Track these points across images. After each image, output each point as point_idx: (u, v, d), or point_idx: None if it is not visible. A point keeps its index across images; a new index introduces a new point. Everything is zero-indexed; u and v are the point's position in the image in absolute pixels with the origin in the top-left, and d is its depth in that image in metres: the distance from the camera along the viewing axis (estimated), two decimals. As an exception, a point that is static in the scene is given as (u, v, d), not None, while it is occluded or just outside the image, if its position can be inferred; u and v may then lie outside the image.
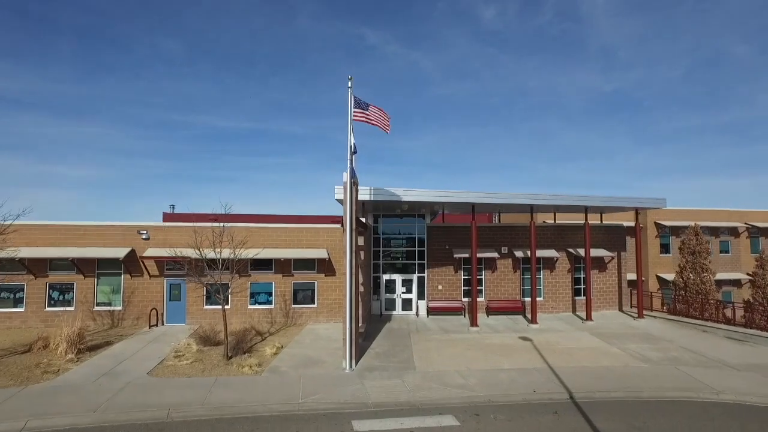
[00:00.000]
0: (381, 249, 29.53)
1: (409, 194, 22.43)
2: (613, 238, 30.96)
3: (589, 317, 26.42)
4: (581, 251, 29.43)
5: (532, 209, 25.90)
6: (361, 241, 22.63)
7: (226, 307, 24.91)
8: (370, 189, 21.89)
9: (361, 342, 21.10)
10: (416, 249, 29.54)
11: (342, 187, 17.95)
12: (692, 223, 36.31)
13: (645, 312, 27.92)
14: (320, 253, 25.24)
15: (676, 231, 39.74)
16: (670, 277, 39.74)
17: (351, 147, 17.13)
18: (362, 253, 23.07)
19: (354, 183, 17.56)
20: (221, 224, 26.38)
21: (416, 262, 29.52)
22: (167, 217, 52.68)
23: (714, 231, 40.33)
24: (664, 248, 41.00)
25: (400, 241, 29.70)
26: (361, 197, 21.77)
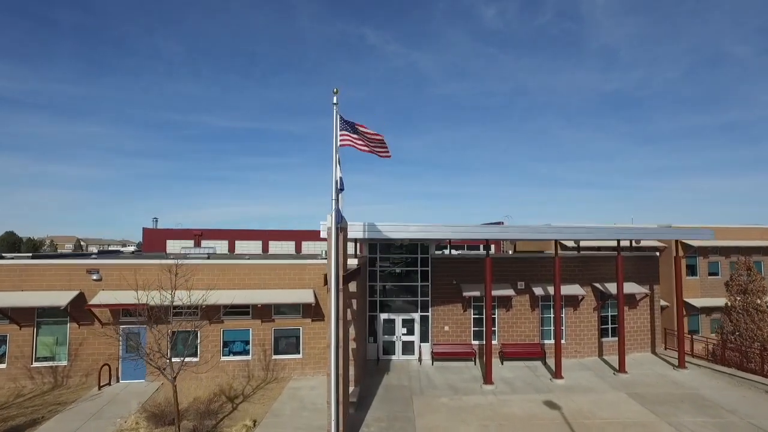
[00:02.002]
0: (378, 284, 25.59)
1: (410, 230, 18.54)
2: (645, 268, 27.06)
3: (622, 368, 22.46)
4: (609, 286, 25.49)
5: (556, 243, 21.93)
6: (353, 287, 18.71)
7: (193, 360, 21.06)
8: (364, 225, 18.00)
9: (353, 413, 17.18)
10: (419, 284, 25.60)
11: (328, 223, 14.14)
12: (723, 243, 32.49)
13: (685, 357, 23.95)
14: (305, 296, 21.29)
15: (703, 251, 35.95)
16: (697, 302, 35.84)
17: (336, 182, 13.21)
18: (355, 302, 19.13)
19: (341, 229, 13.67)
20: (193, 260, 22.48)
21: (419, 298, 25.59)
22: (147, 233, 48.79)
23: (745, 251, 36.46)
24: (691, 270, 37.12)
25: (401, 275, 25.76)
26: (352, 235, 17.88)
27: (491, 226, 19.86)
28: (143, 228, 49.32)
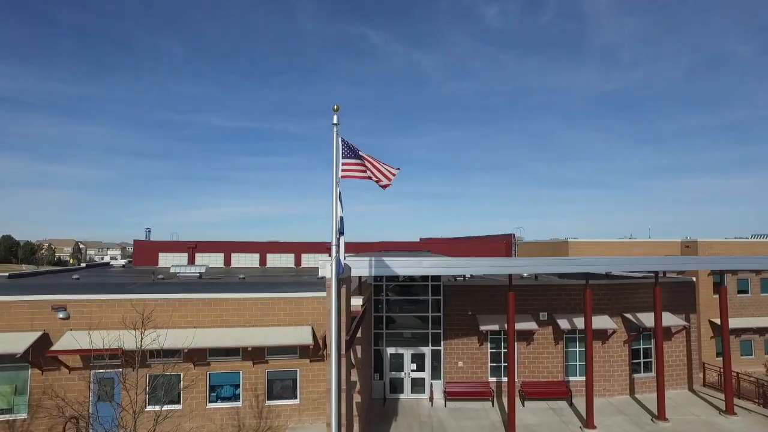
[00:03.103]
0: (384, 314, 23.01)
1: (423, 266, 15.97)
2: (681, 295, 24.37)
3: (661, 414, 19.82)
4: (642, 317, 22.83)
5: (587, 278, 19.25)
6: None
7: (176, 408, 18.50)
8: (370, 261, 15.45)
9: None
10: (430, 314, 23.00)
11: (327, 260, 11.73)
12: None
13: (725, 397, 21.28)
14: (302, 336, 18.71)
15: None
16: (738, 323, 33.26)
17: (336, 224, 10.63)
18: (359, 349, 16.54)
19: (344, 281, 11.09)
20: (175, 294, 19.91)
21: (429, 331, 22.99)
22: (138, 246, 46.23)
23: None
24: (717, 288, 34.56)
25: (410, 305, 23.17)
26: (356, 272, 15.33)
27: (517, 260, 17.34)
28: (134, 240, 46.79)
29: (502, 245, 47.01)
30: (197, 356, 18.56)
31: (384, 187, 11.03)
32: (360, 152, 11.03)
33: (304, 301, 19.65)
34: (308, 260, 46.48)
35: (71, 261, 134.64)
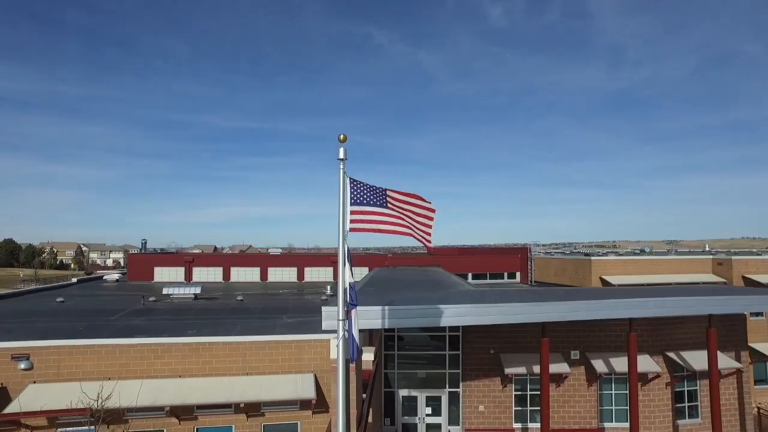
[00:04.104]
0: (396, 352, 20.51)
1: (446, 315, 13.42)
2: (730, 330, 21.70)
3: (716, 474, 17.22)
4: (687, 356, 20.20)
5: (631, 322, 16.63)
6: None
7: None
8: (382, 311, 12.92)
9: None
10: (447, 353, 20.47)
11: (329, 316, 9.23)
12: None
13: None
14: (303, 388, 16.24)
15: (772, 289, 30.67)
16: (765, 348, 30.67)
17: (345, 293, 8.12)
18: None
19: (353, 366, 8.58)
20: (159, 338, 17.49)
21: (447, 371, 20.46)
22: (133, 260, 43.91)
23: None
24: (755, 309, 31.94)
25: (424, 342, 20.67)
26: (364, 325, 12.82)
27: (555, 306, 14.73)
28: (129, 254, 44.54)
29: (517, 259, 44.38)
30: (183, 410, 16.12)
31: (425, 242, 8.52)
32: (383, 190, 8.45)
33: (305, 345, 17.19)
34: (311, 274, 44.06)
35: (72, 266, 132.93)
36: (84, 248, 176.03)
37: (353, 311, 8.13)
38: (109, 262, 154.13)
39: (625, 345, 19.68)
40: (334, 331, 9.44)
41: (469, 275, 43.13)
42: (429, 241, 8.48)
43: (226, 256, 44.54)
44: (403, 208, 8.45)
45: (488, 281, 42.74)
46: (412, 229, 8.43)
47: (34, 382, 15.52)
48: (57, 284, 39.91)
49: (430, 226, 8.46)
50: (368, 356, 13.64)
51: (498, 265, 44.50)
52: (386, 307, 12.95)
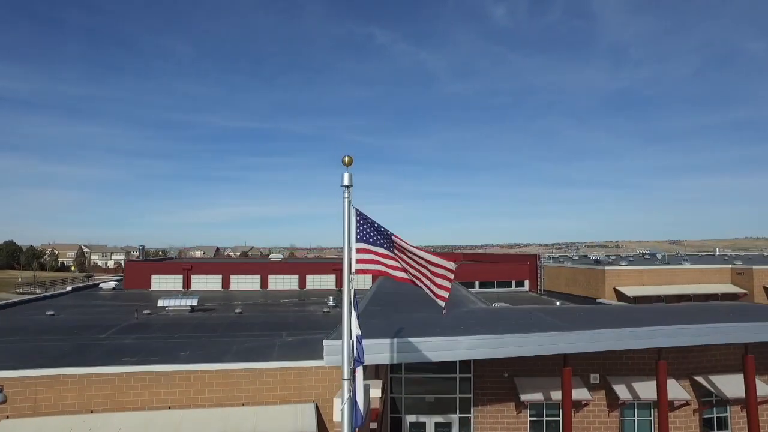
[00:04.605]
0: (403, 375, 19.19)
1: (459, 348, 12.10)
2: (763, 353, 20.29)
3: None
4: (717, 381, 18.81)
5: (660, 351, 15.26)
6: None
7: None
8: (391, 344, 11.62)
9: None
10: (458, 375, 19.16)
11: (332, 350, 7.84)
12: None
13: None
14: (302, 421, 14.90)
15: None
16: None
17: (352, 345, 6.79)
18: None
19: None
20: (146, 366, 16.19)
21: (458, 395, 19.16)
22: (129, 267, 42.67)
23: None
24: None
25: (434, 365, 19.31)
26: (370, 360, 11.52)
27: (578, 336, 13.39)
28: (125, 262, 43.39)
29: (526, 267, 42.97)
30: (172, 445, 14.80)
31: (441, 298, 7.17)
32: (389, 233, 7.15)
33: (306, 373, 15.81)
34: (313, 282, 42.76)
35: (72, 268, 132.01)
36: (85, 249, 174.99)
37: (359, 369, 6.80)
38: (111, 264, 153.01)
39: (649, 368, 18.33)
40: (338, 366, 8.15)
41: (476, 284, 41.79)
42: (445, 299, 7.14)
43: (225, 263, 43.23)
44: (412, 260, 7.11)
45: (496, 290, 41.36)
46: (422, 281, 7.10)
47: (8, 417, 14.21)
48: (50, 294, 38.67)
49: (446, 288, 7.09)
50: (375, 392, 12.30)
51: (506, 273, 43.12)
52: (395, 341, 11.64)
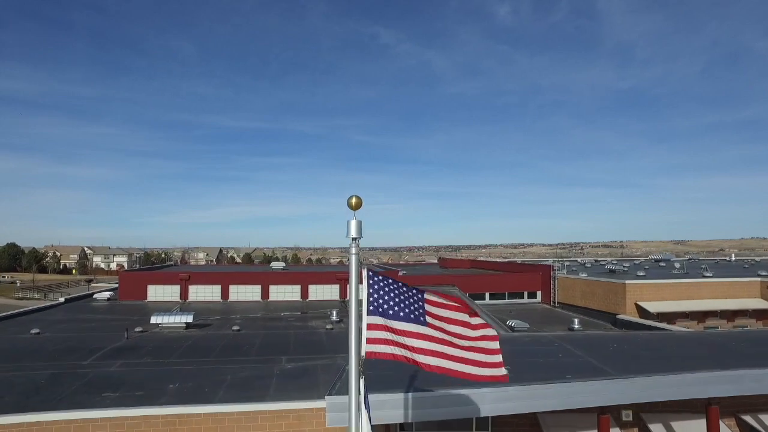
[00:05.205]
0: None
1: (486, 401, 10.21)
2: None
3: None
4: (765, 419, 16.86)
5: (710, 402, 13.31)
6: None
7: None
8: (405, 399, 9.74)
9: None
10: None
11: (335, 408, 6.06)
12: None
13: None
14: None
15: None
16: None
17: (357, 419, 4.92)
18: None
19: None
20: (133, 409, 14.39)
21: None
22: (124, 278, 40.98)
23: None
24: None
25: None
26: (379, 419, 9.66)
27: (623, 385, 11.52)
28: (120, 272, 41.73)
29: (538, 277, 41.06)
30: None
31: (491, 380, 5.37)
32: (417, 296, 5.29)
33: (306, 415, 13.97)
34: (316, 292, 40.97)
35: (74, 271, 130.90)
36: (88, 251, 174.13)
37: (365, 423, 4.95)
38: (113, 266, 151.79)
39: (690, 404, 16.36)
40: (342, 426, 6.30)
41: (487, 295, 39.93)
42: (505, 377, 5.32)
43: (224, 273, 41.53)
44: (450, 328, 5.26)
45: (507, 301, 39.48)
46: (465, 362, 5.25)
47: (-32, 471, 12.48)
48: (41, 306, 36.94)
49: (497, 365, 5.27)
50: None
51: (517, 284, 41.20)
52: (409, 395, 9.78)
